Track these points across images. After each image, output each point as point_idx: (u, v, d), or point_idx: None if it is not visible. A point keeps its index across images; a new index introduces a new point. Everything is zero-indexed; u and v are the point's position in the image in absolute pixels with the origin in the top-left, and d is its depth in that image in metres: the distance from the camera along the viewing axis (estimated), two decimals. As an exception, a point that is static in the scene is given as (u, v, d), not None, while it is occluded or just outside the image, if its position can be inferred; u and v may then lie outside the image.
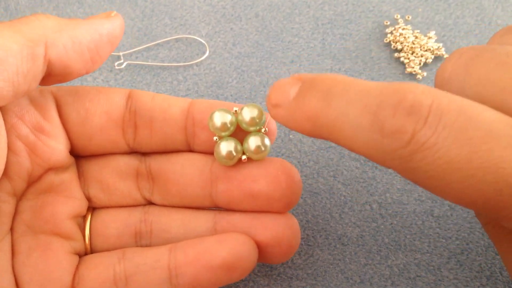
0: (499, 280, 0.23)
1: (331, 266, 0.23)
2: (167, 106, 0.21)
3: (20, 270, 0.20)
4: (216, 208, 0.22)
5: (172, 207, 0.22)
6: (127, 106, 0.21)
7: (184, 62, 0.29)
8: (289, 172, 0.20)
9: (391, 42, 0.29)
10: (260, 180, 0.20)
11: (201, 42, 0.29)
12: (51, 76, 0.19)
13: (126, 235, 0.21)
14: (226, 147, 0.20)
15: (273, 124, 0.21)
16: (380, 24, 0.30)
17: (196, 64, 0.29)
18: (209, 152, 0.21)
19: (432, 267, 0.23)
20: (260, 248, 0.20)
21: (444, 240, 0.24)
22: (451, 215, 0.24)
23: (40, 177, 0.21)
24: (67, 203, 0.21)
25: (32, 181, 0.21)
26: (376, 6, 0.30)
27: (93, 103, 0.21)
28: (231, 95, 0.28)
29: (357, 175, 0.25)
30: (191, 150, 0.22)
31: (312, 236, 0.24)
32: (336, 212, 0.24)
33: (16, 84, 0.18)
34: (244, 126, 0.21)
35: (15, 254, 0.20)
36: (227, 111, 0.20)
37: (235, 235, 0.19)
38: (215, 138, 0.21)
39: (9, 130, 0.20)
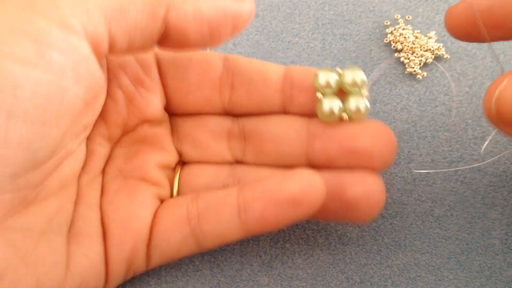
0: (499, 280, 0.23)
1: (331, 266, 0.23)
2: (265, 69, 0.22)
3: (106, 208, 0.21)
4: (309, 167, 0.22)
5: (260, 166, 0.22)
6: (224, 67, 0.22)
7: (184, 62, 0.29)
8: (388, 132, 0.21)
9: (391, 42, 0.29)
10: (361, 138, 0.21)
11: (201, 42, 0.29)
12: (168, 39, 0.19)
13: (214, 187, 0.22)
14: (330, 103, 0.21)
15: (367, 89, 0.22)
16: (380, 24, 0.30)
17: (196, 64, 0.29)
18: (305, 114, 0.22)
19: (432, 267, 0.23)
20: (349, 205, 0.20)
21: (444, 240, 0.24)
22: (451, 215, 0.24)
23: (135, 128, 0.22)
24: (157, 154, 0.22)
25: (127, 130, 0.22)
26: (376, 6, 0.30)
27: (192, 62, 0.22)
28: (231, 95, 0.28)
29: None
30: (285, 113, 0.22)
31: (312, 236, 0.24)
32: (336, 212, 0.24)
33: (132, 38, 0.18)
34: (346, 87, 0.21)
35: (104, 193, 0.21)
36: (332, 70, 0.21)
37: (302, 171, 0.19)
38: (318, 94, 0.21)
39: (112, 78, 0.21)
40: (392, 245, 0.24)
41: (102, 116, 0.21)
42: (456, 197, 0.25)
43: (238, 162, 0.23)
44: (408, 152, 0.26)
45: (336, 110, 0.21)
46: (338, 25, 0.30)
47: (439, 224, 0.24)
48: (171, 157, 0.23)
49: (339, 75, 0.21)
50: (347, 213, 0.21)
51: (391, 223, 0.24)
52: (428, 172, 0.25)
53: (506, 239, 0.23)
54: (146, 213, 0.21)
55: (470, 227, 0.24)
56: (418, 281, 0.23)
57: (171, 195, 0.23)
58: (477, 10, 0.19)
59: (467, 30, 0.20)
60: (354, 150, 0.21)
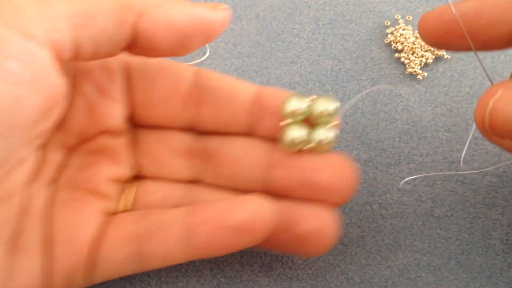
0: (500, 280, 0.23)
1: (331, 267, 0.23)
2: (235, 87, 0.21)
3: (54, 219, 0.20)
4: (266, 194, 0.21)
5: (217, 188, 0.22)
6: (195, 82, 0.21)
7: (185, 62, 0.29)
8: (350, 167, 0.21)
9: (392, 43, 0.29)
10: (322, 171, 0.20)
11: (201, 43, 0.29)
12: (136, 47, 0.19)
13: (167, 205, 0.22)
14: (294, 133, 0.20)
15: (338, 121, 0.21)
16: (381, 25, 0.30)
17: (197, 65, 0.29)
18: (271, 138, 0.21)
19: (432, 268, 0.23)
20: (300, 238, 0.20)
21: (444, 241, 0.24)
22: (452, 215, 0.24)
23: (93, 137, 0.21)
24: (112, 167, 0.21)
25: (84, 139, 0.21)
26: (376, 7, 0.30)
27: (161, 74, 0.21)
28: (232, 96, 0.28)
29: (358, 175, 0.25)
30: (250, 135, 0.22)
31: (313, 237, 0.24)
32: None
33: (98, 45, 0.18)
34: (315, 116, 0.21)
35: (53, 204, 0.20)
36: (302, 98, 0.20)
37: (252, 198, 0.19)
38: (284, 122, 0.21)
39: (74, 85, 0.20)
40: (392, 246, 0.24)
41: (60, 123, 0.20)
42: (456, 198, 0.25)
43: (197, 181, 0.22)
44: (409, 152, 0.26)
45: (299, 140, 0.20)
46: (338, 25, 0.30)
47: (439, 224, 0.24)
48: (126, 171, 0.22)
49: (310, 103, 0.21)
50: (297, 247, 0.21)
51: (391, 224, 0.24)
52: (414, 182, 0.24)
53: (506, 240, 0.23)
54: (91, 228, 0.20)
55: (471, 228, 0.24)
56: (418, 281, 0.23)
57: (122, 210, 0.22)
58: (459, 15, 0.19)
59: (442, 38, 0.20)
60: (312, 183, 0.20)
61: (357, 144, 0.26)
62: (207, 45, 0.29)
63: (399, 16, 0.30)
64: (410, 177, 0.24)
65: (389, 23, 0.30)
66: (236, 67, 0.28)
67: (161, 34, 0.18)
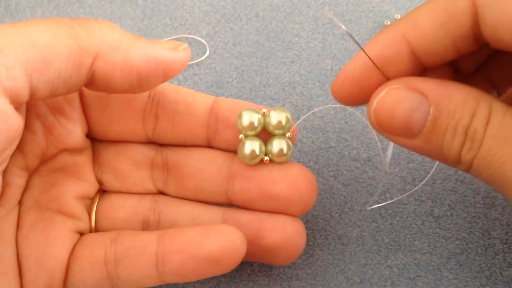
0: (499, 280, 0.23)
1: (331, 266, 0.23)
2: (191, 100, 0.22)
3: (21, 243, 0.20)
4: (228, 205, 0.22)
5: (183, 200, 0.22)
6: (149, 96, 0.22)
7: (184, 62, 0.29)
8: (308, 177, 0.21)
9: (391, 42, 0.29)
10: (280, 182, 0.21)
11: (201, 42, 0.29)
12: (93, 85, 0.19)
13: (134, 221, 0.22)
14: (251, 146, 0.21)
15: (295, 131, 0.22)
16: (381, 24, 0.30)
17: (196, 64, 0.29)
18: (229, 150, 0.22)
19: (432, 267, 0.23)
20: (267, 250, 0.21)
21: (444, 240, 0.24)
22: (451, 215, 0.24)
23: (54, 156, 0.21)
24: (76, 184, 0.21)
25: (45, 159, 0.21)
26: (376, 6, 0.30)
27: None
28: (231, 95, 0.28)
29: (357, 175, 0.25)
30: (210, 147, 0.22)
31: (312, 236, 0.24)
32: (336, 212, 0.25)
33: (55, 87, 0.18)
34: (270, 128, 0.21)
35: (20, 227, 0.20)
36: (256, 111, 0.21)
37: (223, 228, 0.19)
38: (240, 136, 0.21)
39: (29, 108, 0.20)
40: (392, 245, 0.24)
41: (19, 146, 0.20)
42: (456, 197, 0.25)
43: (161, 192, 0.23)
44: (408, 152, 0.26)
45: (256, 153, 0.21)
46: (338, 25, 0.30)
47: (439, 224, 0.24)
48: (91, 187, 0.22)
49: (264, 116, 0.21)
50: (266, 257, 0.21)
51: (391, 223, 0.24)
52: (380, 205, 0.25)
53: (506, 239, 0.23)
54: (61, 250, 0.20)
55: (470, 227, 0.24)
56: (418, 281, 0.23)
57: (90, 227, 0.22)
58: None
59: (361, 93, 0.19)
60: (272, 195, 0.21)
61: (357, 144, 0.26)
62: (206, 45, 0.29)
63: (399, 16, 0.30)
64: (376, 205, 0.24)
65: (388, 23, 0.30)
66: (236, 66, 0.28)
67: (118, 75, 0.18)
